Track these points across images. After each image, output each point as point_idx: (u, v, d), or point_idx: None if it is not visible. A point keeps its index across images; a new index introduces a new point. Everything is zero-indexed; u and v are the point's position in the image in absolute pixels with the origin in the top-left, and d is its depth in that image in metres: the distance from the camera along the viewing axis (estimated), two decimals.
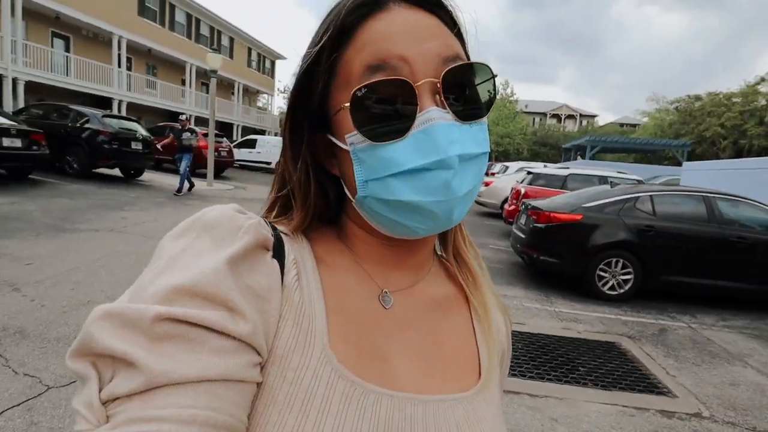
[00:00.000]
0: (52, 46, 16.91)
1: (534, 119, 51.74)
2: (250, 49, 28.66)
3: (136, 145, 10.17)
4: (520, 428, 2.53)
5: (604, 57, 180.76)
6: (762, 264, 5.25)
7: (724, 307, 5.33)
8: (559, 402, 2.84)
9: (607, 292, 5.26)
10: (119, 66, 18.59)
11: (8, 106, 13.19)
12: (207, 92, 21.34)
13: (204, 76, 22.94)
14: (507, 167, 15.70)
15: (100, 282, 3.91)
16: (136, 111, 19.35)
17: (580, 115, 54.52)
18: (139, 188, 10.01)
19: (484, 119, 0.42)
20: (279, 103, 37.10)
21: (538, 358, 3.46)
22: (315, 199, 0.45)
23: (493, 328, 0.49)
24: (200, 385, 0.29)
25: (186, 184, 9.78)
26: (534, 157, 36.65)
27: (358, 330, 0.42)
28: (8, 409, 2.15)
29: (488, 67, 0.41)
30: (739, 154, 27.20)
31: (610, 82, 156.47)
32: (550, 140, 40.65)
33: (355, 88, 0.38)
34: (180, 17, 22.41)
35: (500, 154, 37.12)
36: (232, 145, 16.30)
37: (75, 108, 10.10)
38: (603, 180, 9.03)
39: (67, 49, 17.63)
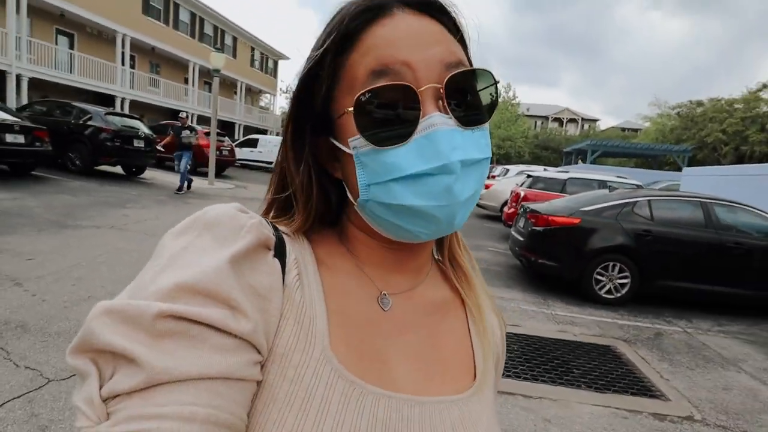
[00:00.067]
0: (57, 43, 17.00)
1: (536, 122, 51.79)
2: (253, 49, 28.74)
3: (138, 143, 10.21)
4: (513, 428, 2.56)
5: (607, 61, 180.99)
6: (759, 270, 5.27)
7: (721, 313, 5.35)
8: (553, 403, 2.87)
9: (604, 295, 5.29)
10: (123, 64, 18.66)
11: (12, 103, 13.24)
12: (210, 91, 21.37)
13: (207, 75, 23.00)
14: (507, 170, 15.71)
15: (101, 278, 3.95)
16: (139, 109, 19.42)
17: (582, 119, 54.55)
18: (140, 186, 10.06)
19: (486, 125, 0.42)
20: (281, 103, 37.27)
21: (534, 360, 3.49)
22: (317, 201, 0.45)
23: (488, 330, 0.50)
24: (201, 383, 0.30)
25: (184, 183, 9.82)
26: (535, 160, 36.69)
27: (359, 332, 0.42)
28: (9, 400, 2.19)
29: (490, 73, 0.42)
30: (740, 160, 27.23)
31: (612, 86, 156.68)
32: (551, 144, 40.71)
33: (359, 93, 0.38)
34: (184, 16, 22.50)
35: (501, 157, 37.16)
36: (233, 144, 16.35)
37: (78, 105, 10.14)
38: (602, 184, 9.06)
39: (71, 47, 17.71)
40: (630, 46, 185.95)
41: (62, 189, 7.93)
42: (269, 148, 18.51)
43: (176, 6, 21.81)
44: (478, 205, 12.29)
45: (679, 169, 16.46)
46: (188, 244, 0.35)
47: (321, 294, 0.41)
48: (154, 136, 10.87)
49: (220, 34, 25.04)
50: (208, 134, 12.63)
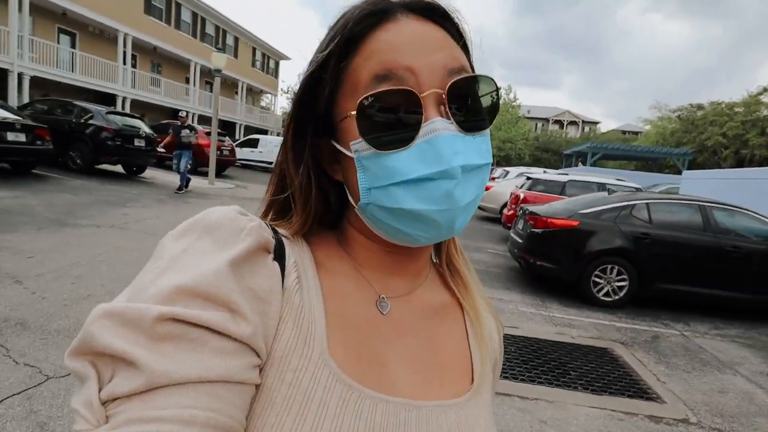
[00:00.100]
0: (59, 42, 17.05)
1: (536, 125, 51.84)
2: (254, 49, 28.79)
3: (139, 142, 10.23)
4: (509, 429, 2.57)
5: (608, 63, 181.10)
6: (757, 273, 5.29)
7: (718, 316, 5.37)
8: (549, 405, 2.89)
9: (602, 298, 5.30)
10: (124, 63, 18.71)
11: (13, 101, 13.28)
12: (211, 91, 21.45)
13: (208, 75, 23.07)
14: (507, 172, 15.74)
15: (101, 277, 3.96)
16: (140, 108, 19.46)
17: (583, 122, 54.59)
18: (141, 185, 10.08)
19: (487, 131, 0.42)
20: (282, 104, 37.34)
21: (531, 361, 3.50)
22: (315, 203, 0.45)
23: (485, 334, 0.50)
24: (201, 386, 0.29)
25: (176, 183, 9.83)
26: (536, 162, 36.74)
27: (357, 335, 0.42)
28: (8, 397, 2.20)
29: (492, 79, 0.42)
30: (740, 163, 27.25)
31: (613, 88, 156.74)
32: (551, 146, 40.76)
33: (362, 97, 0.38)
34: (186, 16, 22.55)
35: (502, 158, 37.20)
36: (234, 144, 16.38)
37: (79, 104, 10.17)
38: (602, 187, 9.08)
39: (73, 46, 17.76)
40: (631, 49, 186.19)
41: (63, 187, 7.95)
42: (270, 148, 18.54)
43: (178, 6, 21.86)
44: (478, 207, 12.29)
45: (679, 173, 16.49)
46: (188, 247, 0.35)
47: (320, 297, 0.41)
48: (155, 135, 10.90)
49: (221, 34, 25.10)
50: (208, 134, 12.66)
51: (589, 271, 5.30)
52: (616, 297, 5.30)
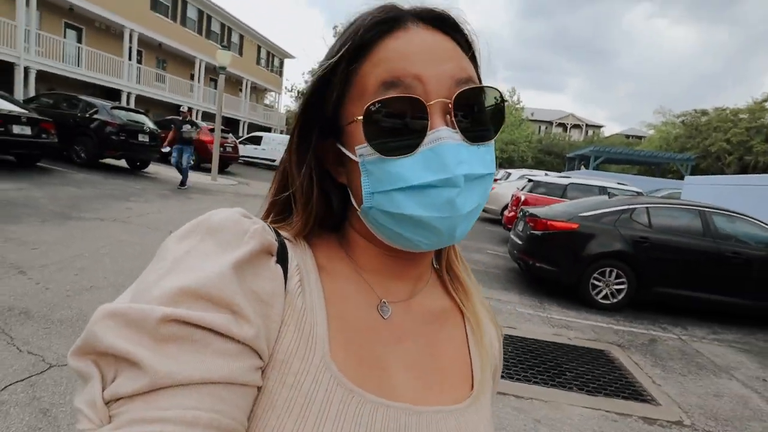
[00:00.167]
0: (65, 37, 17.13)
1: (540, 127, 51.73)
2: (259, 47, 28.86)
3: (143, 138, 10.29)
4: (503, 428, 2.60)
5: (613, 67, 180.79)
6: (756, 280, 5.29)
7: (717, 321, 5.38)
8: (544, 404, 2.92)
9: (601, 300, 5.33)
10: (130, 59, 18.78)
11: (19, 95, 13.36)
12: (215, 88, 21.53)
13: (213, 72, 23.12)
14: (509, 174, 15.75)
15: (104, 269, 4.01)
16: (145, 104, 19.54)
17: (586, 125, 54.50)
18: (144, 180, 10.14)
19: (492, 141, 0.43)
20: (286, 102, 37.36)
21: (527, 361, 3.53)
22: (317, 204, 0.45)
23: (485, 341, 0.51)
24: (204, 387, 0.30)
25: (177, 177, 9.77)
26: (538, 165, 36.66)
27: (358, 339, 0.42)
28: (12, 384, 2.25)
29: (499, 91, 0.43)
30: (744, 170, 27.18)
31: (617, 92, 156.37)
32: (555, 149, 40.66)
33: (370, 103, 0.39)
34: (192, 13, 22.63)
35: (504, 160, 37.15)
36: (237, 141, 16.44)
37: (84, 98, 10.23)
38: (603, 190, 9.10)
39: (79, 41, 17.85)
40: (636, 53, 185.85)
41: (67, 181, 8.01)
42: (273, 145, 18.60)
43: (184, 3, 21.94)
44: None
45: (682, 178, 16.47)
46: (192, 248, 0.35)
47: (322, 301, 0.41)
48: (159, 131, 10.96)
49: (227, 32, 25.17)
50: (212, 130, 12.71)
51: (588, 273, 5.32)
52: (615, 300, 5.32)
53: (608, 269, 5.31)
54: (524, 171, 15.70)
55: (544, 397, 3.01)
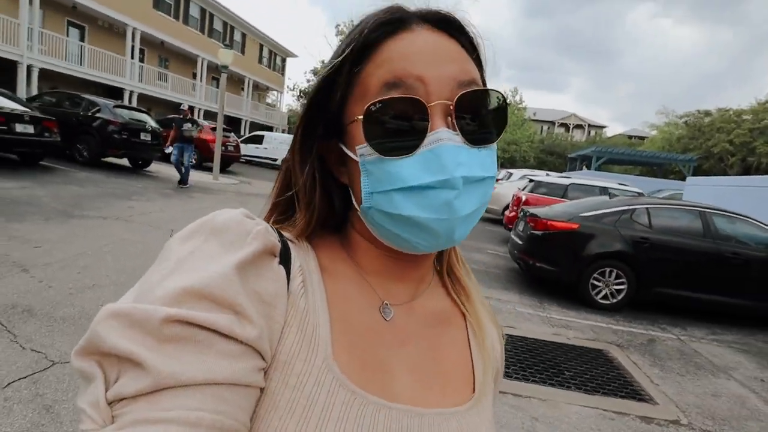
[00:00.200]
0: (68, 35, 17.21)
1: (542, 127, 51.65)
2: (261, 46, 28.89)
3: (145, 136, 10.32)
4: (501, 425, 2.62)
5: (616, 67, 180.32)
6: (756, 280, 5.30)
7: (716, 322, 5.39)
8: (542, 403, 2.94)
9: (600, 300, 5.34)
10: (132, 57, 18.85)
11: (22, 93, 13.41)
12: (217, 86, 21.53)
13: (215, 71, 23.15)
14: (511, 174, 15.74)
15: (106, 267, 4.04)
16: (147, 102, 19.60)
17: (589, 125, 54.40)
18: (146, 179, 10.17)
19: (493, 144, 0.43)
20: (288, 101, 37.36)
21: (526, 360, 3.55)
22: (319, 203, 0.45)
23: (487, 344, 0.51)
24: (207, 388, 0.30)
25: (178, 176, 9.72)
26: (540, 165, 36.62)
27: (361, 341, 0.42)
28: (15, 380, 2.28)
29: (502, 94, 0.43)
30: (746, 171, 27.12)
31: (620, 92, 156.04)
32: (557, 149, 40.63)
33: (370, 103, 0.39)
34: (194, 11, 22.68)
35: (506, 161, 37.11)
36: (239, 140, 16.48)
37: (87, 97, 10.26)
38: (604, 191, 9.11)
39: (82, 39, 17.91)
40: (639, 53, 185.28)
41: (70, 179, 8.05)
42: (274, 144, 18.64)
43: (186, 1, 21.99)
44: None
45: (684, 179, 16.45)
46: (195, 249, 0.36)
47: (324, 302, 0.42)
48: (161, 129, 10.99)
49: (229, 30, 25.22)
50: (214, 129, 12.75)
51: (588, 273, 5.33)
52: (614, 300, 5.33)
53: (608, 269, 5.32)
54: (526, 171, 15.69)
55: (542, 395, 3.03)
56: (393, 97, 0.39)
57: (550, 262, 5.52)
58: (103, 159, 10.36)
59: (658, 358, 4.03)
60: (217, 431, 0.29)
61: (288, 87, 33.52)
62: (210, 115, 22.01)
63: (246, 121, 27.05)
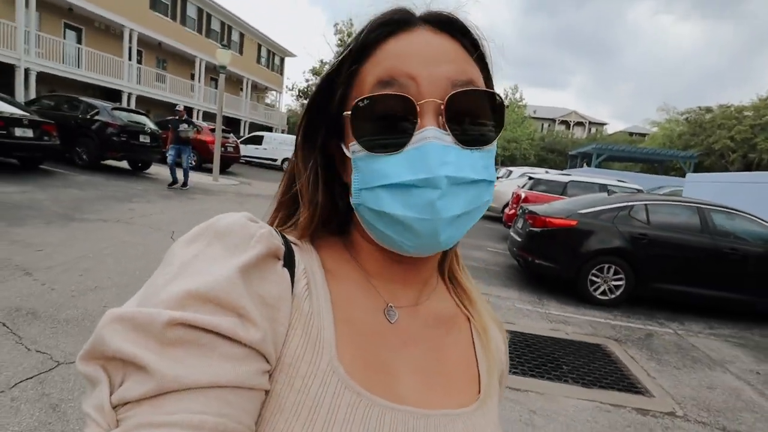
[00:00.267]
0: (65, 38, 17.20)
1: (542, 125, 51.62)
2: (260, 46, 28.89)
3: (144, 138, 10.34)
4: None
5: (616, 64, 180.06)
6: (754, 275, 5.34)
7: (713, 317, 5.43)
8: (540, 396, 2.98)
9: (599, 296, 5.38)
10: (130, 59, 18.84)
11: (20, 97, 13.42)
12: (216, 87, 21.57)
13: (213, 71, 23.19)
14: (511, 171, 15.76)
15: (108, 270, 4.08)
16: (146, 104, 19.63)
17: (589, 123, 54.37)
18: (146, 181, 10.21)
19: (490, 147, 0.42)
20: (287, 101, 37.38)
21: (524, 355, 3.59)
22: (322, 201, 0.46)
23: (492, 346, 0.51)
24: (211, 391, 0.30)
25: (170, 178, 9.60)
26: (541, 162, 36.66)
27: (365, 343, 0.42)
28: (22, 381, 2.32)
29: (499, 96, 0.42)
30: (748, 167, 27.11)
31: (621, 89, 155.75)
32: (557, 146, 40.64)
33: (358, 99, 0.39)
34: (191, 12, 22.67)
35: (506, 158, 37.11)
36: (238, 141, 16.50)
37: (85, 100, 10.27)
38: (603, 188, 9.13)
39: (79, 41, 17.92)
40: (640, 50, 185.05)
41: (70, 183, 8.08)
42: (274, 145, 18.68)
43: (183, 1, 21.98)
44: None
45: (685, 175, 16.48)
46: (199, 253, 0.36)
47: (329, 304, 0.41)
48: (160, 131, 11.01)
49: (227, 30, 25.21)
50: (213, 130, 12.77)
51: (587, 269, 5.37)
52: (613, 296, 5.37)
53: (606, 265, 5.36)
54: (525, 169, 15.71)
55: (540, 389, 3.07)
56: (381, 94, 0.39)
57: (549, 259, 5.56)
58: (102, 162, 10.39)
59: (656, 352, 4.08)
60: None
61: (287, 87, 33.59)
62: (209, 116, 22.04)
63: (245, 122, 27.06)
